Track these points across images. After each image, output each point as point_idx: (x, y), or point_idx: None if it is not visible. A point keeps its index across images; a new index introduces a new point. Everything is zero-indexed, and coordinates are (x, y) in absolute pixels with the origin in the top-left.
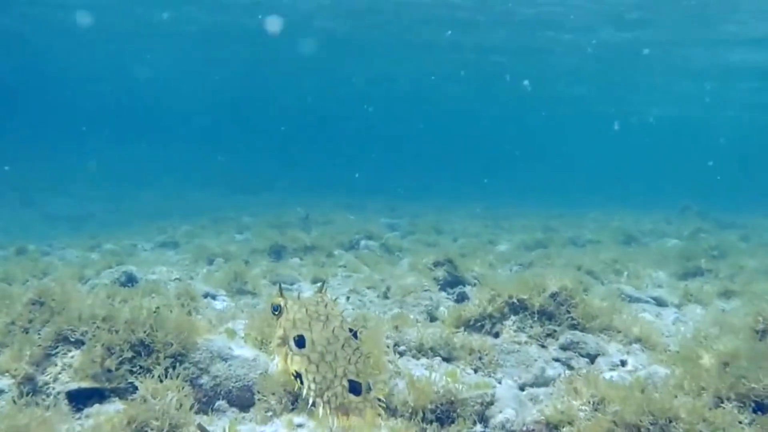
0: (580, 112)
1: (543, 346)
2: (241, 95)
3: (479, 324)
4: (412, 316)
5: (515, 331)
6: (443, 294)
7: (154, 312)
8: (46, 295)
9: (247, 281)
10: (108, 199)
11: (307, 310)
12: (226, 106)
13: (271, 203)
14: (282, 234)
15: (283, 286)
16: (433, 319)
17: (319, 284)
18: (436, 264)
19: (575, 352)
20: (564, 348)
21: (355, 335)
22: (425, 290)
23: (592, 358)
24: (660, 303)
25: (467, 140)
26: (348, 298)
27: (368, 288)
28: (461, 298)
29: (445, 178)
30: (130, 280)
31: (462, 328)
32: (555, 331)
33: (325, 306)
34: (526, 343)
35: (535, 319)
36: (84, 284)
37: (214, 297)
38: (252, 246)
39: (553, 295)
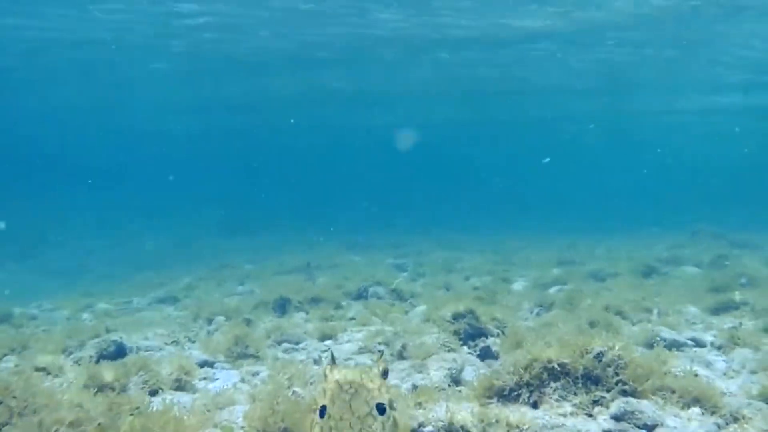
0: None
1: (590, 416)
2: (231, 136)
3: (515, 393)
4: (435, 382)
5: (557, 400)
6: (465, 349)
7: (131, 415)
8: (5, 394)
9: (248, 344)
10: (105, 250)
11: (339, 381)
12: (215, 146)
13: (271, 245)
14: (286, 285)
15: (288, 346)
16: (458, 383)
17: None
18: (456, 316)
19: (630, 423)
20: (616, 418)
21: (381, 411)
22: (448, 350)
23: (649, 429)
24: (699, 344)
25: (453, 169)
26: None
27: (380, 344)
28: (485, 354)
29: (438, 207)
30: (119, 351)
31: (495, 399)
32: (603, 397)
33: (361, 377)
34: (571, 414)
35: (579, 385)
36: (68, 357)
37: (212, 365)
38: (255, 299)
39: (599, 356)
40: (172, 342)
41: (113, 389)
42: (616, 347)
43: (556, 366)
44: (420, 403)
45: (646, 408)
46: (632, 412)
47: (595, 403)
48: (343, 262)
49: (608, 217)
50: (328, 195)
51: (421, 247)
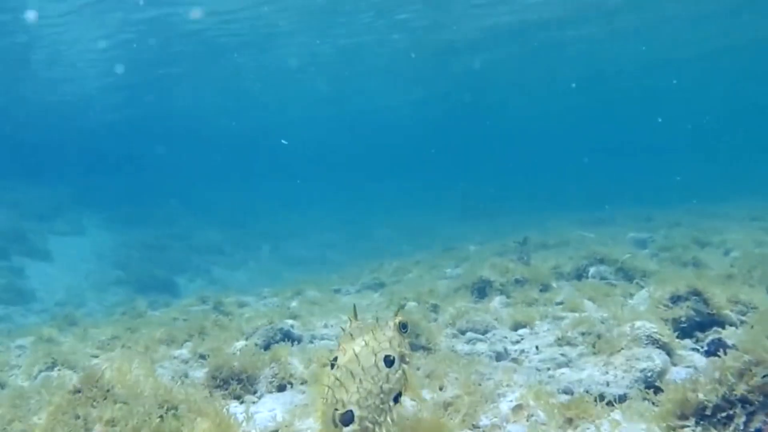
0: None
1: None
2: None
3: (722, 415)
4: (615, 388)
5: None
6: (686, 342)
7: (160, 418)
8: (87, 382)
9: (420, 334)
10: (342, 241)
11: (352, 335)
12: (455, 131)
13: (504, 228)
14: (493, 266)
15: (473, 336)
16: (655, 390)
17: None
18: (675, 299)
19: None
20: None
21: (389, 363)
22: (653, 344)
23: None
24: None
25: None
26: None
27: (583, 334)
28: (714, 349)
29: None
30: (285, 340)
31: (691, 420)
32: None
33: (373, 333)
34: None
35: None
36: (238, 342)
37: None
38: (461, 282)
39: None
40: None
41: (240, 381)
42: None
43: None
44: (570, 420)
45: None
46: None
47: None
48: (573, 238)
49: None
50: (568, 173)
51: (678, 218)
